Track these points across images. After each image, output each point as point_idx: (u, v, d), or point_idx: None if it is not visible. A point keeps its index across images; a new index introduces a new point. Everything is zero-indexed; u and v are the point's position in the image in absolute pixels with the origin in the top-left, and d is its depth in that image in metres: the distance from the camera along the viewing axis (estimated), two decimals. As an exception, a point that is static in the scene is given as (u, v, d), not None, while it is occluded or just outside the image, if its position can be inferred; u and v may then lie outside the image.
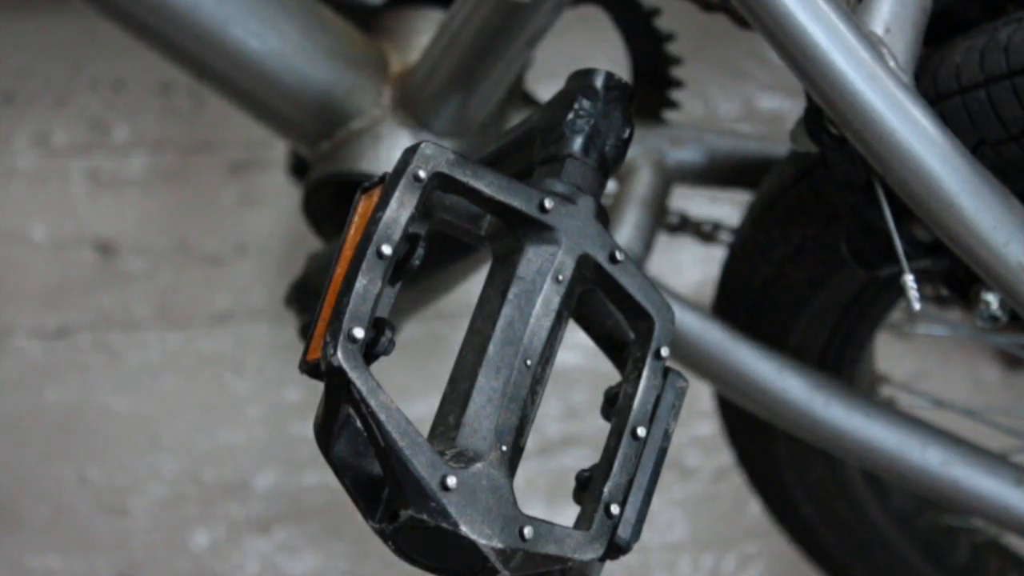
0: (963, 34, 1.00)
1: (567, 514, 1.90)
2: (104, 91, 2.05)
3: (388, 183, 0.87)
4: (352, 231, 0.88)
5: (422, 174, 0.87)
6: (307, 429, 1.84)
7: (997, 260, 0.96)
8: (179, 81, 2.01)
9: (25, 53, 2.08)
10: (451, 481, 0.83)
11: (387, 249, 0.85)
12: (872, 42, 0.94)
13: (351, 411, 0.84)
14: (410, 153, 0.88)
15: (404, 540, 0.85)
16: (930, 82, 0.97)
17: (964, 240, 0.96)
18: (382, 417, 0.83)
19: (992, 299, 1.03)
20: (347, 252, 0.87)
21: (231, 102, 1.24)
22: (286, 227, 1.95)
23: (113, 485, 1.83)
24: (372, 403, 0.83)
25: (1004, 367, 1.84)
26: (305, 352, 0.85)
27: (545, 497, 1.78)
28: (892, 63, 0.94)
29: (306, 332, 1.29)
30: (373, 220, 0.86)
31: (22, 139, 2.03)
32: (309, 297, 1.27)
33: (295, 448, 1.83)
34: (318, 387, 1.90)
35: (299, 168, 1.41)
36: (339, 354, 0.82)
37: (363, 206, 0.89)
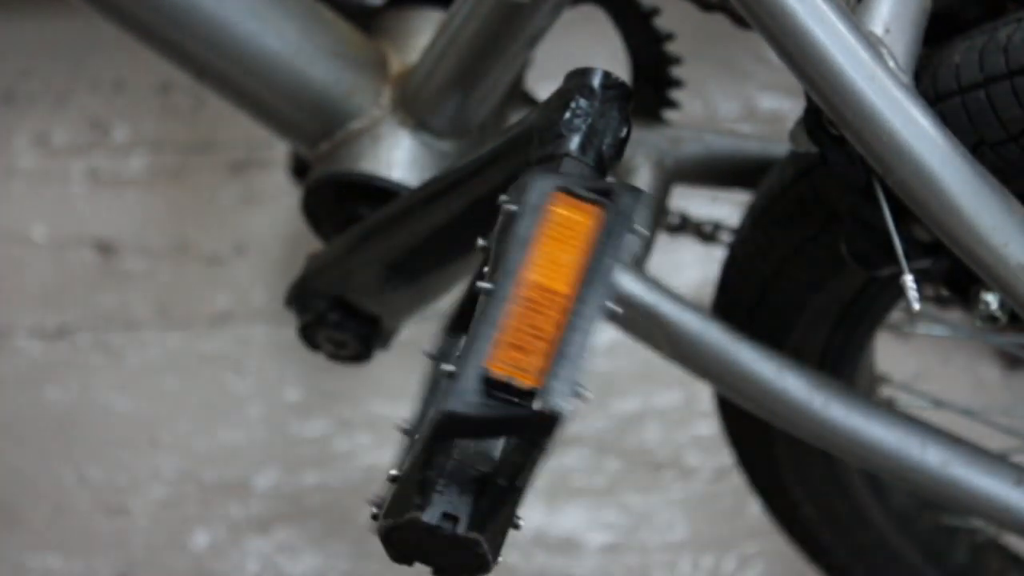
0: (963, 34, 1.00)
1: (568, 514, 1.90)
2: (104, 91, 2.05)
3: (616, 226, 0.86)
4: (568, 246, 0.86)
5: (644, 232, 0.87)
6: (307, 429, 1.85)
7: (997, 260, 0.96)
8: (179, 81, 2.01)
9: (25, 53, 2.08)
10: (520, 522, 0.86)
11: (613, 308, 0.85)
12: (872, 42, 0.94)
13: (518, 442, 0.83)
14: (638, 201, 0.87)
15: (408, 540, 0.85)
16: (930, 82, 0.97)
17: (964, 240, 0.96)
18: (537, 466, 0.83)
19: (992, 299, 1.03)
20: (574, 276, 0.85)
21: (231, 102, 1.24)
22: (286, 227, 1.95)
23: (113, 485, 1.83)
24: (543, 455, 0.83)
25: (1004, 367, 1.84)
26: (485, 352, 0.82)
27: (545, 497, 1.78)
28: (892, 63, 0.94)
29: (306, 332, 1.29)
30: (605, 267, 0.85)
31: (22, 139, 2.03)
32: (309, 297, 1.27)
33: (295, 448, 1.83)
34: (318, 387, 1.88)
35: (299, 168, 1.41)
36: (567, 411, 0.81)
37: (577, 218, 0.88)
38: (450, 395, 0.82)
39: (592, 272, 0.85)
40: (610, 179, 0.93)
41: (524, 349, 0.83)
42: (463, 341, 0.93)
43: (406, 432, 0.93)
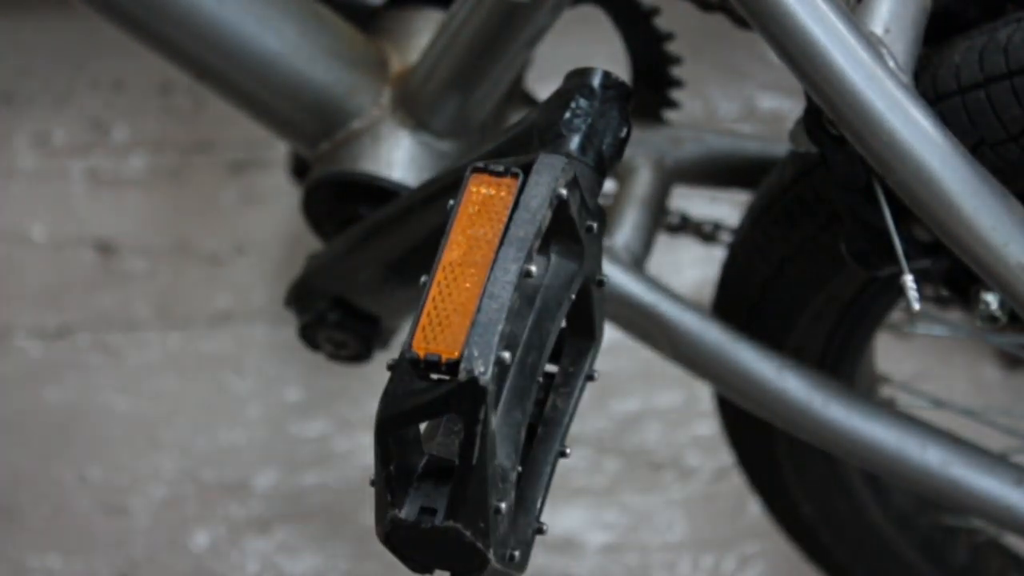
0: (963, 34, 1.00)
1: (568, 514, 1.90)
2: (104, 91, 2.05)
3: (531, 191, 0.86)
4: (486, 220, 0.86)
5: (564, 193, 0.87)
6: (307, 429, 1.85)
7: (997, 260, 0.96)
8: (179, 81, 2.01)
9: (25, 53, 2.08)
10: (503, 506, 0.86)
11: (534, 270, 0.85)
12: (872, 42, 0.94)
13: (459, 421, 0.83)
14: (557, 168, 0.87)
15: (402, 540, 0.85)
16: (930, 82, 0.97)
17: (964, 240, 0.96)
18: (488, 441, 0.82)
19: (992, 299, 1.03)
20: (490, 248, 0.85)
21: (231, 103, 1.24)
22: (286, 227, 1.95)
23: (113, 485, 1.83)
24: (491, 427, 0.82)
25: (1004, 367, 1.84)
26: (412, 336, 0.82)
27: (545, 497, 1.78)
28: (892, 63, 0.94)
29: (306, 332, 1.29)
30: (521, 234, 0.85)
31: (22, 139, 2.03)
32: (309, 297, 1.27)
33: (295, 448, 1.83)
34: (318, 387, 1.88)
35: (299, 168, 1.41)
36: (488, 375, 0.81)
37: (493, 193, 0.88)
38: (387, 388, 0.82)
39: (506, 240, 0.85)
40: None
41: (446, 326, 0.83)
42: None
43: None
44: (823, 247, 1.12)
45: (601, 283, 0.95)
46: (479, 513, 0.84)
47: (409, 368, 0.82)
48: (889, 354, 1.41)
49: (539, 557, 1.76)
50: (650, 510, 1.79)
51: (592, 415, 1.82)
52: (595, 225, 0.91)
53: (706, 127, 1.29)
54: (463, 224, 0.86)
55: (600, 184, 0.95)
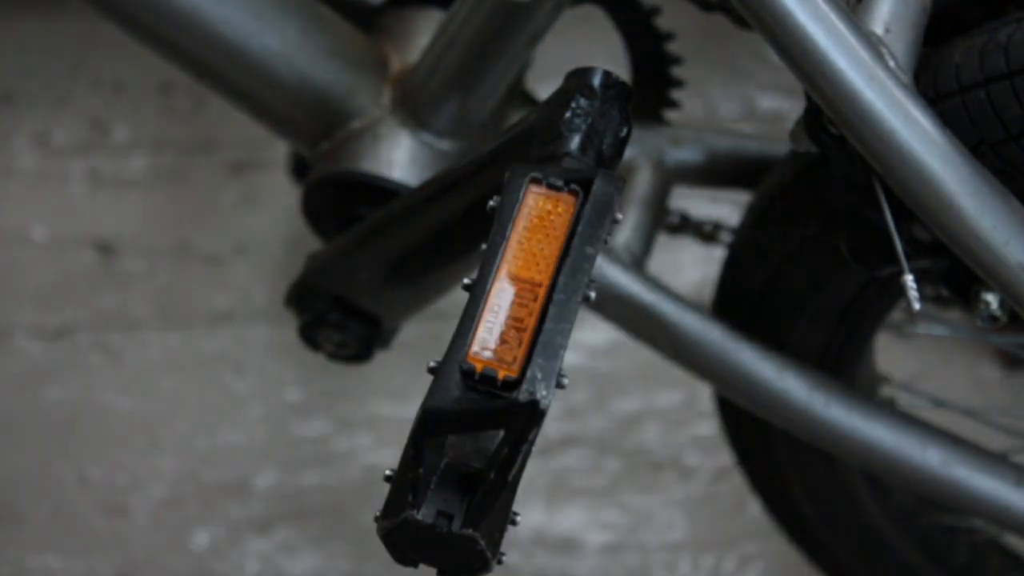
0: (963, 34, 1.00)
1: (568, 514, 1.90)
2: (104, 91, 2.05)
3: (593, 213, 0.86)
4: (544, 235, 0.86)
5: (620, 217, 0.87)
6: (307, 429, 1.85)
7: (997, 260, 0.96)
8: (179, 81, 2.01)
9: (25, 53, 2.08)
10: (519, 517, 0.86)
11: (592, 296, 0.85)
12: (872, 42, 0.94)
13: (505, 435, 0.82)
14: (616, 192, 0.87)
15: (406, 539, 0.85)
16: (930, 82, 0.97)
17: (964, 240, 0.96)
18: (526, 460, 0.83)
19: (992, 299, 1.02)
20: (551, 265, 0.85)
21: (231, 102, 1.24)
22: (286, 227, 1.95)
23: (113, 485, 1.83)
24: (531, 447, 0.83)
25: (1004, 367, 1.84)
26: (467, 347, 0.82)
27: (545, 497, 1.78)
28: (892, 63, 0.94)
29: (306, 332, 1.29)
30: (584, 255, 0.85)
31: (22, 139, 2.03)
32: (309, 297, 1.27)
33: (295, 448, 1.83)
34: (318, 387, 1.89)
35: (299, 168, 1.41)
36: (549, 400, 0.80)
37: (553, 208, 0.87)
38: (432, 391, 0.82)
39: (569, 260, 0.85)
40: (587, 167, 0.93)
41: (505, 341, 0.83)
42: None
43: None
44: (823, 247, 1.12)
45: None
46: (497, 525, 0.84)
47: (459, 377, 0.82)
48: (889, 354, 1.41)
49: (539, 557, 1.76)
50: (650, 510, 1.79)
51: (592, 415, 1.82)
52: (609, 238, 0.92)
53: (706, 127, 1.29)
54: (519, 234, 0.86)
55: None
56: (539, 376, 0.81)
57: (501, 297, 0.84)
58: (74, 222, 1.98)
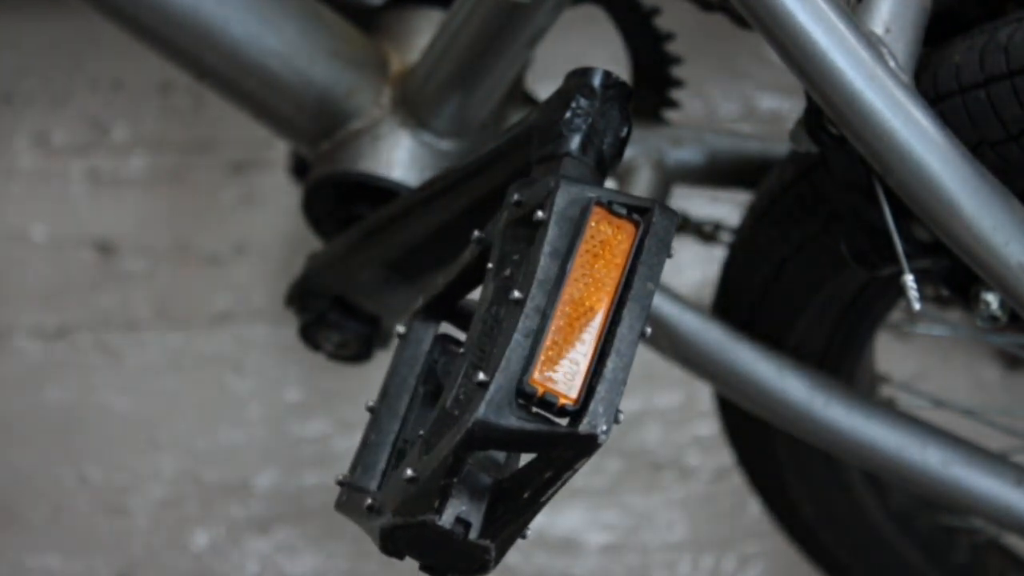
0: (963, 34, 1.00)
1: (568, 514, 1.90)
2: (104, 91, 2.05)
3: (653, 247, 0.86)
4: (606, 263, 0.85)
5: (675, 250, 0.87)
6: (307, 429, 1.85)
7: (997, 260, 0.96)
8: (179, 81, 2.01)
9: (25, 53, 2.08)
10: (529, 532, 0.86)
11: (649, 331, 0.85)
12: (872, 42, 0.94)
13: (548, 459, 0.83)
14: (675, 225, 0.86)
15: (403, 539, 0.85)
16: (930, 82, 0.97)
17: (964, 240, 0.96)
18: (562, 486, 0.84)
19: (992, 299, 1.02)
20: (612, 295, 0.84)
21: (230, 102, 1.24)
22: (286, 227, 1.95)
23: (113, 485, 1.83)
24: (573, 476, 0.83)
25: (1004, 367, 1.84)
26: (529, 369, 0.81)
27: (545, 497, 1.78)
28: (892, 63, 0.94)
29: (307, 332, 1.29)
30: (646, 291, 0.84)
31: (22, 139, 2.03)
32: (309, 297, 1.27)
33: (295, 448, 1.83)
34: (318, 386, 1.88)
35: (299, 168, 1.41)
36: (608, 435, 0.81)
37: (614, 235, 0.86)
38: (484, 405, 0.81)
39: (632, 295, 0.84)
40: (643, 195, 0.93)
41: (567, 368, 0.82)
42: (434, 327, 0.93)
43: (372, 410, 0.93)
44: (823, 247, 1.12)
45: None
46: (511, 537, 0.85)
47: (514, 395, 0.82)
48: (889, 354, 1.41)
49: (539, 557, 1.76)
50: (650, 510, 1.79)
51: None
52: None
53: (706, 127, 1.29)
54: (583, 259, 0.85)
55: (601, 184, 0.95)
56: (601, 411, 0.81)
57: (565, 321, 0.83)
58: (74, 222, 1.98)
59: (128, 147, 2.02)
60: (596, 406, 0.81)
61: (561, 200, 0.87)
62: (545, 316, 0.83)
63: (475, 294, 0.95)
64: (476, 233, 0.92)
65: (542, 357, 0.82)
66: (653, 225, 0.87)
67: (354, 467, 0.92)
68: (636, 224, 0.87)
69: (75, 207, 1.99)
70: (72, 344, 1.91)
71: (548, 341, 0.82)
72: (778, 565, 1.75)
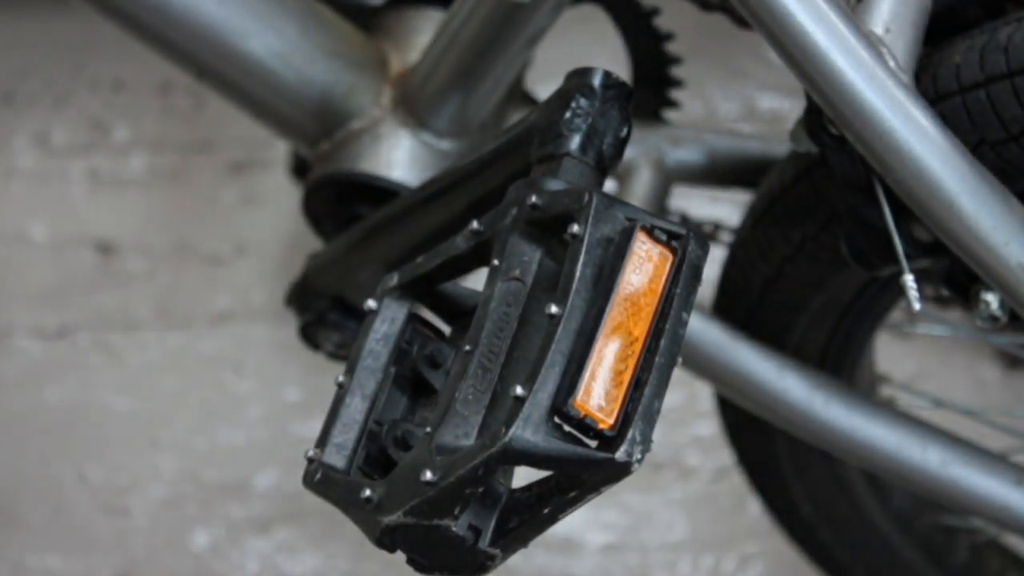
0: (963, 34, 1.00)
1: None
2: (104, 91, 2.05)
3: (688, 275, 0.85)
4: (645, 288, 0.85)
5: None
6: (307, 429, 1.85)
7: (997, 260, 0.96)
8: (179, 81, 2.01)
9: (25, 53, 2.08)
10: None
11: (680, 360, 0.85)
12: (872, 42, 0.94)
13: (570, 482, 0.84)
14: (706, 254, 0.86)
15: (404, 537, 0.85)
16: (930, 82, 0.97)
17: (964, 240, 0.96)
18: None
19: (992, 299, 1.02)
20: (649, 321, 0.84)
21: (231, 102, 1.24)
22: (286, 227, 1.95)
23: (113, 485, 1.83)
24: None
25: (1004, 367, 1.84)
26: (573, 391, 0.81)
27: (545, 497, 1.78)
28: (892, 63, 0.94)
29: (307, 332, 1.29)
30: (681, 320, 0.84)
31: (22, 139, 2.03)
32: (309, 297, 1.27)
33: (295, 448, 1.83)
34: (318, 386, 1.88)
35: (299, 168, 1.41)
36: (641, 463, 0.82)
37: (652, 259, 0.86)
38: (522, 422, 0.81)
39: (670, 325, 0.84)
40: (677, 219, 0.92)
41: (605, 392, 0.82)
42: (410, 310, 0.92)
43: (340, 386, 0.93)
44: (823, 247, 1.12)
45: None
46: (519, 547, 0.85)
47: (549, 414, 0.82)
48: (889, 354, 1.41)
49: (539, 557, 1.76)
50: (650, 510, 1.79)
51: (592, 415, 1.82)
52: None
53: (706, 127, 1.29)
54: (627, 282, 0.85)
55: (601, 184, 0.95)
56: (638, 439, 0.81)
57: (610, 347, 0.83)
58: (74, 222, 1.98)
59: (128, 147, 2.02)
60: (633, 433, 0.81)
61: (597, 216, 0.86)
62: (589, 338, 0.83)
63: (469, 286, 0.96)
64: (474, 224, 0.92)
65: (587, 379, 0.82)
66: (688, 254, 0.86)
67: (322, 443, 0.91)
68: (673, 251, 0.87)
69: (75, 207, 1.99)
70: (72, 344, 1.91)
71: (592, 364, 0.82)
72: (778, 565, 1.75)
